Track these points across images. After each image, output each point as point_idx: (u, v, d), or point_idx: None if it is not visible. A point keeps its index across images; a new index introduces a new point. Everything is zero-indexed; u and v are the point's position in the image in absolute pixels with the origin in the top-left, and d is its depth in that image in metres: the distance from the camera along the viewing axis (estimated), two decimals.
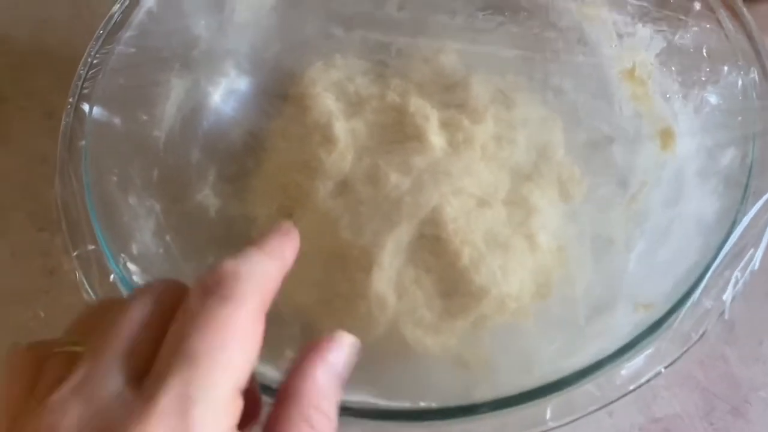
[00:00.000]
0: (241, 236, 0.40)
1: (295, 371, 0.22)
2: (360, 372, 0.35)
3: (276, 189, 0.41)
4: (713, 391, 0.40)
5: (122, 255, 0.33)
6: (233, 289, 0.20)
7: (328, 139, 0.39)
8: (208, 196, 0.41)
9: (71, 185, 0.34)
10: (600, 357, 0.29)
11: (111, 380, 0.19)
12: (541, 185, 0.40)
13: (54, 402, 0.19)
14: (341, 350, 0.24)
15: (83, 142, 0.35)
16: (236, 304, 0.20)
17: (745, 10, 0.36)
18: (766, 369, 0.40)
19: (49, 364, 0.21)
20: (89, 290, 0.31)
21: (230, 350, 0.19)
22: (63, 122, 0.36)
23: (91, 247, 0.33)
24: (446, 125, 0.40)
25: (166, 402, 0.18)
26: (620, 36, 0.41)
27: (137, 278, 0.32)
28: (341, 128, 0.40)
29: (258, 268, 0.22)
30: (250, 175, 0.42)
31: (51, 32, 0.57)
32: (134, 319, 0.21)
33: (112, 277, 0.32)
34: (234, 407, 0.20)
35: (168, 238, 0.37)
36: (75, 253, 0.32)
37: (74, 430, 0.18)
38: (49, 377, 0.20)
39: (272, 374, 0.31)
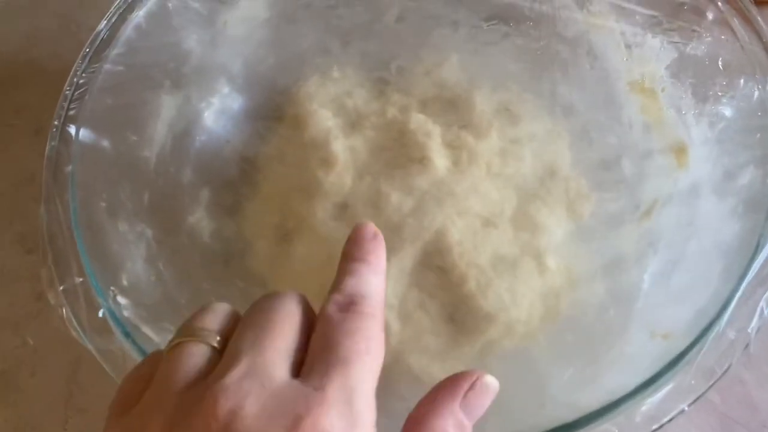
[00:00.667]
0: (236, 264, 0.38)
1: (431, 404, 0.25)
2: None
3: (273, 211, 0.39)
4: (731, 416, 0.38)
5: (112, 288, 0.31)
6: (365, 307, 0.24)
7: (326, 158, 0.38)
8: (201, 219, 0.39)
9: (57, 213, 0.32)
10: (618, 393, 0.27)
11: (278, 371, 0.22)
12: (549, 203, 0.39)
13: (229, 385, 0.21)
14: (486, 396, 0.25)
15: (69, 167, 0.34)
16: (371, 318, 0.24)
17: (760, 19, 0.34)
18: None
19: (185, 353, 0.23)
20: (77, 327, 0.30)
21: (372, 355, 0.23)
22: (48, 146, 0.34)
23: (78, 279, 0.31)
24: (449, 142, 0.39)
25: (334, 392, 0.21)
26: (629, 47, 0.39)
27: (127, 312, 0.31)
28: (340, 147, 0.38)
29: (374, 288, 0.25)
30: (246, 197, 0.40)
31: (39, 46, 0.55)
32: (290, 320, 0.24)
33: (101, 312, 0.30)
34: (375, 403, 0.23)
35: (160, 265, 0.36)
36: (61, 288, 0.30)
37: (256, 409, 0.20)
38: (189, 365, 0.22)
39: None
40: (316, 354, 0.23)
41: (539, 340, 0.36)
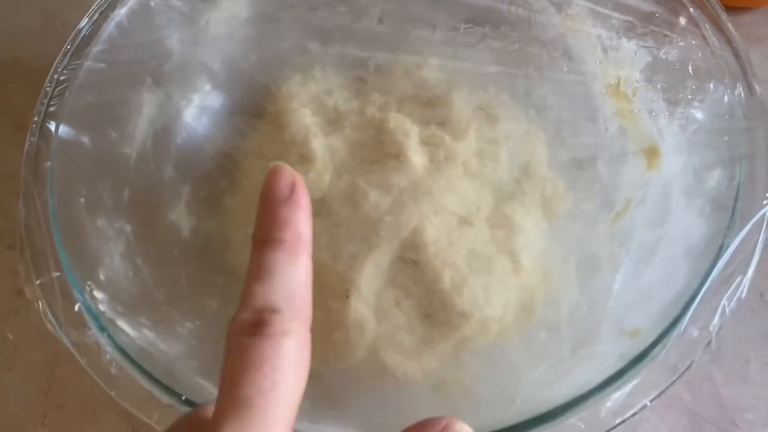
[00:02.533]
0: (216, 259, 0.38)
1: None
2: (336, 401, 0.34)
3: (253, 208, 0.39)
4: (701, 414, 0.39)
5: (88, 282, 0.32)
6: (276, 325, 0.20)
7: (305, 157, 0.38)
8: (181, 216, 0.39)
9: (35, 209, 0.33)
10: (584, 389, 0.28)
11: None
12: (525, 203, 0.39)
13: None
14: None
15: (48, 163, 0.34)
16: (284, 338, 0.20)
17: (731, 26, 0.35)
18: (754, 390, 0.39)
19: None
20: (53, 320, 0.30)
21: (282, 388, 0.20)
22: (27, 142, 0.34)
23: (55, 274, 0.31)
24: (427, 142, 0.39)
25: None
26: (605, 50, 0.40)
27: (103, 307, 0.31)
28: (319, 145, 0.39)
29: (291, 287, 0.21)
30: (226, 193, 0.41)
31: (23, 43, 0.55)
32: None
33: (77, 306, 0.31)
34: None
35: (138, 260, 0.36)
36: (38, 282, 0.31)
37: None
38: None
39: None
40: (219, 391, 0.20)
41: (513, 338, 0.37)
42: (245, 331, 0.20)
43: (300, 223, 0.23)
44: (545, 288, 0.38)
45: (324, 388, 0.34)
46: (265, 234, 0.23)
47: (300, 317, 0.21)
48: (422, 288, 0.36)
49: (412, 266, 0.36)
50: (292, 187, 0.23)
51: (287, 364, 0.20)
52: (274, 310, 0.21)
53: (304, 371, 0.21)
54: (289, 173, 0.23)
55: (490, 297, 0.36)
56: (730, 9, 0.52)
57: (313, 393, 0.33)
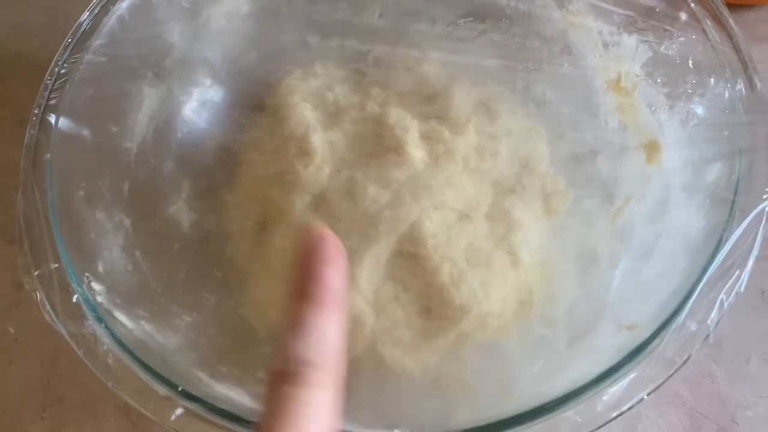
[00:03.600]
0: (214, 252, 0.38)
1: None
2: None
3: (251, 203, 0.40)
4: (700, 411, 0.39)
5: (86, 274, 0.32)
6: (311, 377, 0.22)
7: (305, 151, 0.38)
8: (181, 210, 0.40)
9: (35, 201, 0.33)
10: (581, 382, 0.28)
11: None
12: (525, 198, 0.39)
13: None
14: None
15: (48, 156, 0.34)
16: (318, 391, 0.22)
17: (732, 21, 0.35)
18: (754, 387, 0.39)
19: None
20: (51, 311, 0.30)
21: None
22: (27, 135, 0.34)
23: (54, 265, 0.31)
24: (427, 137, 0.39)
25: None
26: (606, 46, 0.40)
27: (101, 298, 0.31)
28: (319, 140, 0.39)
29: (326, 344, 0.23)
30: (226, 188, 0.41)
31: (26, 38, 0.56)
32: None
33: (75, 297, 0.31)
34: None
35: (137, 253, 0.36)
36: (36, 273, 0.31)
37: None
38: None
39: (242, 400, 0.29)
40: None
41: (512, 333, 0.37)
42: (283, 381, 0.22)
43: (338, 285, 0.25)
44: (544, 283, 0.38)
45: None
46: (305, 290, 0.24)
47: (333, 372, 0.23)
48: (421, 283, 0.36)
49: (411, 261, 0.36)
50: (337, 251, 0.25)
51: (322, 415, 0.22)
52: (310, 364, 0.22)
53: (334, 420, 0.22)
54: (334, 238, 0.25)
55: (489, 292, 0.36)
56: (733, 6, 0.52)
57: None
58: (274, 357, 0.23)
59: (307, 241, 0.25)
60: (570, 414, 0.27)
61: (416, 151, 0.38)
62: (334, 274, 0.25)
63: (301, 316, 0.23)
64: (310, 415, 0.21)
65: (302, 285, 0.24)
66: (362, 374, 0.36)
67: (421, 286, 0.36)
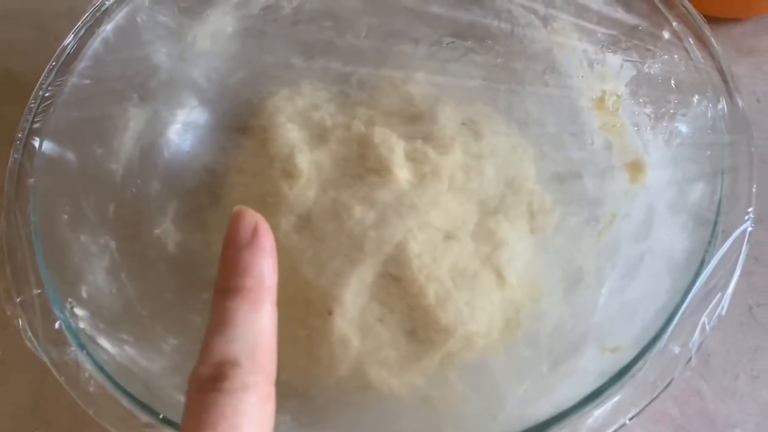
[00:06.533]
0: (201, 274, 0.38)
1: None
2: (319, 417, 0.34)
3: None
4: (688, 429, 0.39)
5: (69, 300, 0.32)
6: (236, 380, 0.19)
7: (290, 171, 0.38)
8: (167, 231, 0.39)
9: (17, 225, 0.33)
10: (565, 405, 0.28)
11: None
12: (510, 217, 0.39)
13: None
14: None
15: (32, 180, 0.34)
16: (243, 394, 0.19)
17: (713, 40, 0.35)
18: (743, 405, 0.39)
19: None
20: (32, 338, 0.30)
21: None
22: (11, 159, 0.34)
23: (36, 291, 0.31)
24: (412, 156, 0.39)
25: None
26: (590, 64, 0.40)
27: (84, 324, 0.31)
28: (304, 160, 0.39)
29: (251, 338, 0.20)
30: (212, 209, 0.41)
31: (15, 58, 0.55)
32: None
33: (57, 323, 0.31)
34: None
35: (123, 276, 0.36)
36: (18, 299, 0.31)
37: None
38: None
39: None
40: None
41: (499, 353, 0.37)
42: (203, 387, 0.20)
43: (263, 268, 0.22)
44: (531, 302, 0.38)
45: (307, 404, 0.34)
46: (226, 281, 0.21)
47: (261, 370, 0.20)
48: (406, 303, 0.36)
49: (397, 282, 0.36)
50: (255, 231, 0.22)
51: (246, 422, 0.19)
52: (233, 364, 0.20)
53: (266, 428, 0.20)
54: (250, 216, 0.22)
55: (475, 312, 0.36)
56: (720, 20, 0.52)
57: (295, 408, 0.33)
58: (196, 364, 0.21)
59: (230, 226, 0.22)
60: None
61: (401, 171, 0.38)
62: (255, 257, 0.21)
63: (224, 311, 0.21)
64: (236, 423, 0.19)
65: (226, 277, 0.22)
66: (348, 395, 0.35)
67: (407, 307, 0.36)
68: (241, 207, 0.23)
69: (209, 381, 0.20)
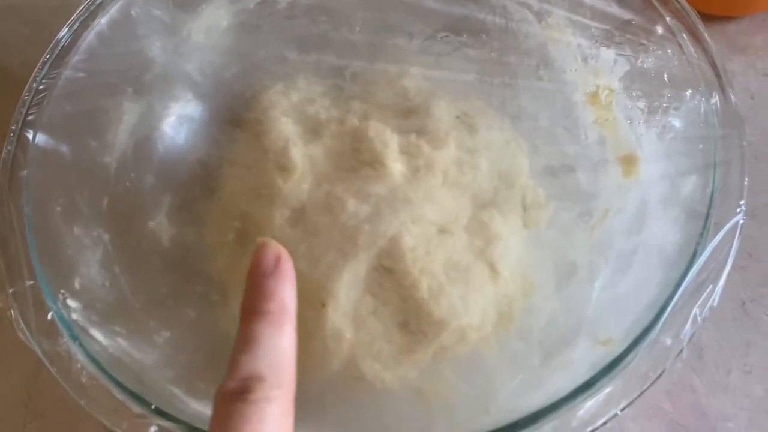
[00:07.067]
0: (194, 267, 0.38)
1: None
2: (312, 411, 0.34)
3: (232, 217, 0.40)
4: (681, 423, 0.39)
5: (62, 291, 0.32)
6: (260, 392, 0.22)
7: (284, 165, 0.38)
8: (161, 224, 0.39)
9: (11, 217, 0.33)
10: (556, 397, 0.28)
11: None
12: (504, 211, 0.39)
13: None
14: None
15: (25, 172, 0.34)
16: (267, 405, 0.21)
17: (706, 35, 0.35)
18: (735, 399, 0.39)
19: None
20: (25, 329, 0.30)
21: None
22: (4, 151, 0.34)
23: (29, 282, 0.31)
24: (407, 150, 0.39)
25: None
26: (584, 59, 0.40)
27: (77, 315, 0.31)
28: (299, 154, 0.39)
29: (274, 356, 0.23)
30: (206, 202, 0.41)
31: (9, 53, 0.55)
32: None
33: (50, 315, 0.30)
34: None
35: (116, 269, 0.36)
36: (11, 291, 0.30)
37: None
38: None
39: None
40: None
41: (492, 346, 0.37)
42: (230, 398, 0.21)
43: (285, 294, 0.24)
44: (524, 296, 0.38)
45: (300, 398, 0.34)
46: (252, 306, 0.24)
47: (283, 385, 0.23)
48: (400, 297, 0.36)
49: (390, 275, 0.36)
50: (277, 260, 0.25)
51: (268, 430, 0.21)
52: (258, 378, 0.22)
53: None
54: (274, 246, 0.25)
55: (468, 305, 0.36)
56: (715, 18, 0.52)
57: None
58: (224, 379, 0.23)
59: (255, 255, 0.25)
60: (545, 430, 0.27)
61: (395, 165, 0.38)
62: (278, 284, 0.25)
63: (251, 332, 0.23)
64: (259, 429, 0.21)
65: (252, 301, 0.24)
66: (341, 389, 0.35)
67: (400, 301, 0.36)
68: (265, 238, 0.26)
69: (236, 393, 0.22)
